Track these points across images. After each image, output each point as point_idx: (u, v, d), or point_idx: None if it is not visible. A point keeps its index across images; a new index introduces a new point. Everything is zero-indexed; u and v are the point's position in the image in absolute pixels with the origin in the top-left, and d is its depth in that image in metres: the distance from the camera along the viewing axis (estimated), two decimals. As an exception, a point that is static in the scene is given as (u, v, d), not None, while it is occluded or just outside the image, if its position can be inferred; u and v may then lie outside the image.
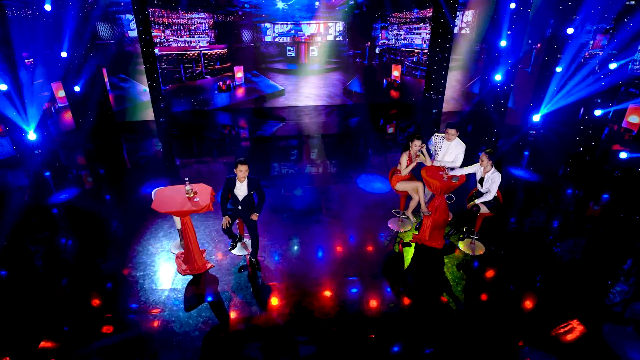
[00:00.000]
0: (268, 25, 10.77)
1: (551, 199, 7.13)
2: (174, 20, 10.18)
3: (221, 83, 11.25)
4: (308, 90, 11.83)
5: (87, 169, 8.64)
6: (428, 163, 5.65)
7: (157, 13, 9.96)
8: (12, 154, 8.44)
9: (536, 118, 9.83)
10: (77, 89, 9.17)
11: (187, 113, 11.31)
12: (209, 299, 4.85)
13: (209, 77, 11.08)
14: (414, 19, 10.94)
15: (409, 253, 5.66)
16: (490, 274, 5.23)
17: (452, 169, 5.56)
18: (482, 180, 5.21)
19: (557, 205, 6.92)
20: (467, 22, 10.78)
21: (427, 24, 10.86)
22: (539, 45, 9.88)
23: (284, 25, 10.82)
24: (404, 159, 5.64)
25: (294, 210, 6.70)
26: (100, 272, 5.33)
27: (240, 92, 11.54)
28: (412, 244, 5.80)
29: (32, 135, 8.39)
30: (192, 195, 4.92)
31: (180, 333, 4.36)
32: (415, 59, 11.40)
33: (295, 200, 7.01)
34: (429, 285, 5.05)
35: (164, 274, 5.26)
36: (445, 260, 5.48)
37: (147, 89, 10.29)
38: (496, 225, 6.09)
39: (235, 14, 10.46)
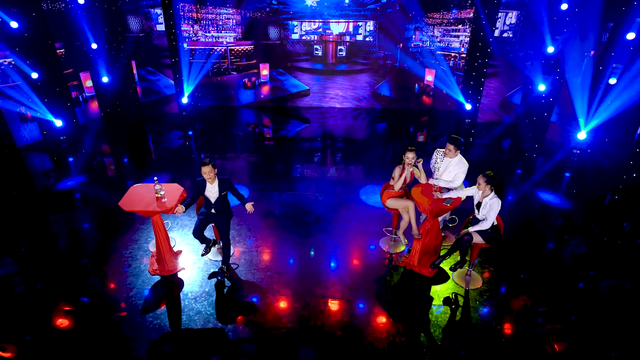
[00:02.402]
0: (295, 23, 10.48)
1: (585, 231, 6.12)
2: (202, 15, 10.23)
3: (246, 80, 11.17)
4: (334, 91, 11.39)
5: (108, 157, 8.93)
6: (422, 180, 5.04)
7: (186, 8, 10.06)
8: (39, 138, 8.92)
9: (581, 135, 8.64)
10: (105, 79, 9.50)
11: (211, 108, 11.37)
12: (168, 304, 4.66)
13: (234, 73, 11.05)
14: (452, 20, 10.10)
15: (394, 278, 5.09)
16: (482, 313, 4.53)
17: (449, 189, 4.92)
18: (479, 205, 4.52)
19: (593, 240, 5.91)
20: (510, 24, 9.75)
21: (467, 26, 9.98)
22: (592, 52, 8.66)
23: (312, 23, 10.47)
24: (397, 173, 5.08)
25: (284, 217, 6.36)
26: (72, 262, 5.35)
27: (265, 89, 11.39)
28: (400, 267, 5.23)
29: (58, 122, 8.80)
30: (160, 195, 4.76)
31: (129, 337, 4.20)
32: (451, 63, 10.54)
33: (287, 206, 6.67)
34: (404, 318, 4.46)
35: (135, 271, 5.15)
36: (433, 291, 4.86)
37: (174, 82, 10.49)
38: (504, 257, 5.34)
39: (262, 11, 10.30)
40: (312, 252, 5.51)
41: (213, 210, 4.87)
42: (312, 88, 11.38)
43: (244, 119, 11.06)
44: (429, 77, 10.87)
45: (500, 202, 4.36)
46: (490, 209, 4.38)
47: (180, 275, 5.11)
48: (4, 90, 8.17)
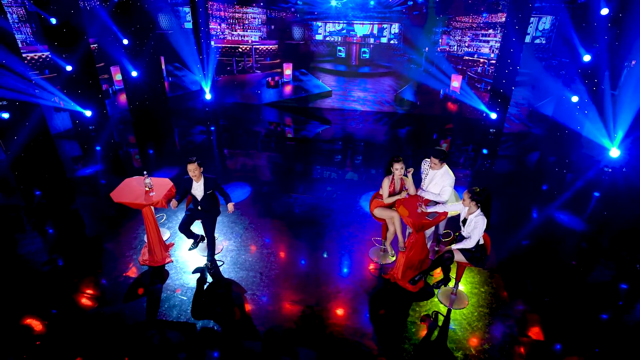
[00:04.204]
0: (319, 24, 10.45)
1: (602, 259, 5.62)
2: (229, 14, 10.47)
3: (270, 79, 11.30)
4: (356, 94, 11.25)
5: (132, 147, 9.39)
6: (412, 192, 4.85)
7: (215, 7, 10.34)
8: (69, 127, 9.54)
9: (614, 152, 7.93)
10: (134, 74, 9.96)
11: (235, 105, 11.63)
12: (149, 294, 4.81)
13: (258, 72, 11.22)
14: (481, 24, 9.63)
15: (378, 290, 4.94)
16: (458, 337, 4.28)
17: (437, 203, 4.70)
18: (465, 222, 4.29)
19: (610, 270, 5.42)
20: (543, 30, 9.13)
21: (498, 31, 9.48)
22: (633, 62, 7.93)
23: (336, 24, 10.39)
24: (386, 184, 4.93)
25: (280, 218, 6.37)
26: (74, 248, 5.66)
27: (288, 89, 11.47)
28: (385, 279, 5.07)
29: (88, 113, 9.36)
30: (149, 189, 4.92)
31: (105, 322, 4.39)
32: (480, 69, 10.07)
33: (287, 207, 6.67)
34: (376, 331, 4.31)
35: (127, 260, 5.37)
36: (412, 308, 4.66)
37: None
38: (505, 279, 5.03)
39: (288, 11, 10.36)
40: (325, 254, 5.49)
41: (199, 208, 4.97)
42: (334, 90, 11.31)
43: (265, 117, 11.20)
44: (455, 84, 10.44)
45: (485, 220, 4.11)
46: (475, 226, 4.14)
47: (167, 267, 5.27)
48: (39, 82, 8.80)
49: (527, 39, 9.02)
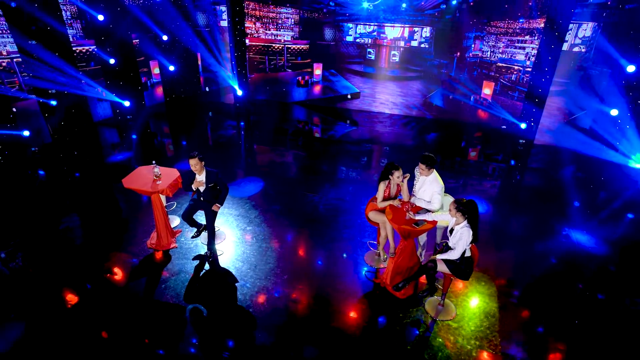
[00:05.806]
0: (350, 25, 10.49)
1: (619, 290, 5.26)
2: (264, 14, 10.80)
3: (300, 78, 11.51)
4: (384, 96, 11.17)
5: (167, 137, 9.99)
6: (405, 198, 4.81)
7: (250, 6, 10.70)
8: (110, 115, 10.30)
9: (652, 173, 7.33)
10: (171, 68, 10.57)
11: (265, 102, 11.96)
12: (149, 275, 5.15)
13: (289, 70, 11.46)
14: (517, 30, 9.21)
15: (367, 293, 4.96)
16: (436, 348, 4.21)
17: (428, 211, 4.63)
18: (452, 232, 4.21)
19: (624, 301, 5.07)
20: (583, 37, 8.56)
21: (536, 37, 9.03)
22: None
23: (367, 26, 10.38)
24: (381, 188, 4.93)
25: (285, 215, 6.52)
26: (96, 228, 6.16)
27: (317, 89, 11.62)
28: (375, 284, 5.08)
29: (126, 103, 10.06)
30: (156, 177, 5.27)
31: (105, 299, 4.77)
32: (513, 77, 9.64)
33: (293, 205, 6.81)
34: (355, 334, 4.35)
35: (138, 242, 5.76)
36: (396, 315, 4.63)
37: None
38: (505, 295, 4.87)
39: (320, 12, 10.50)
40: (322, 254, 5.61)
41: (202, 198, 5.25)
42: (363, 91, 11.31)
43: (293, 115, 11.43)
44: (487, 90, 10.07)
45: (471, 232, 4.01)
46: (460, 237, 4.06)
47: (171, 252, 5.60)
48: (85, 73, 9.60)
49: (565, 47, 8.51)
